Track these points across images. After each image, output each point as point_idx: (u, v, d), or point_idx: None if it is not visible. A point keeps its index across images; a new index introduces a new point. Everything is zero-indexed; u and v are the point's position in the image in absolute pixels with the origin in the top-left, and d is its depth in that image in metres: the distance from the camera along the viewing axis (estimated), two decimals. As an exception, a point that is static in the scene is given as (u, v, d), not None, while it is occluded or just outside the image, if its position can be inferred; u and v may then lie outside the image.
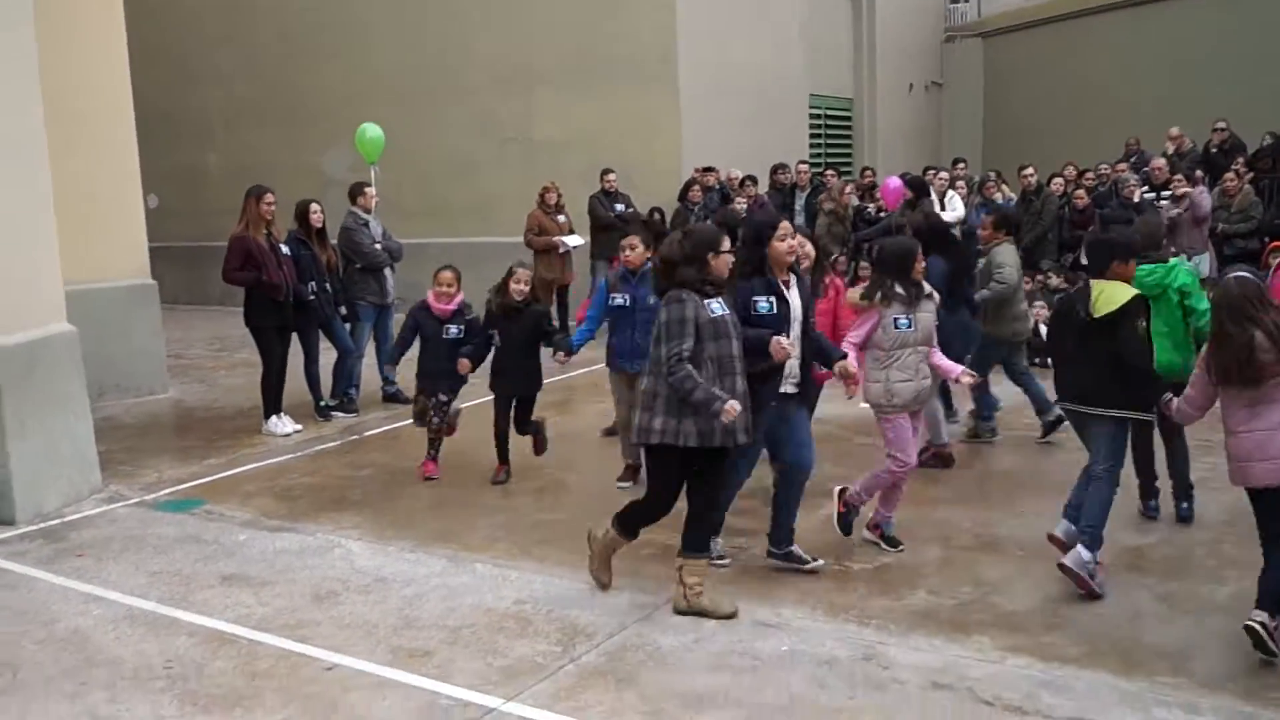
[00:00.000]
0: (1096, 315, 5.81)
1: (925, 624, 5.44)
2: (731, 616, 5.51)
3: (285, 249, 9.72)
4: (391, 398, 10.79)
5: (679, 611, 5.58)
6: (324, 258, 10.10)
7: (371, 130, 13.04)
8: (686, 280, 5.44)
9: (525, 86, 16.36)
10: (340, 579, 6.20)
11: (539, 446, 8.13)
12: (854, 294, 6.63)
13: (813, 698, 4.72)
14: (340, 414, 10.33)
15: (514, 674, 4.96)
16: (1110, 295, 5.83)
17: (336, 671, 5.02)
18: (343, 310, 10.39)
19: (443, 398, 8.12)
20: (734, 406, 5.24)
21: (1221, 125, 14.66)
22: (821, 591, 5.87)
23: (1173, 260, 6.92)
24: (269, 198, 9.61)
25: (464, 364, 7.85)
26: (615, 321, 7.66)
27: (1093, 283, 5.97)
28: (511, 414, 7.99)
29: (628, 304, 7.52)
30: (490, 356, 8.00)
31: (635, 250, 7.53)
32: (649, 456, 5.78)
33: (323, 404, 10.30)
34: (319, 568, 6.39)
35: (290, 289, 9.60)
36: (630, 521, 5.80)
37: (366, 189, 10.75)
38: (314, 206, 10.05)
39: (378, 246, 10.58)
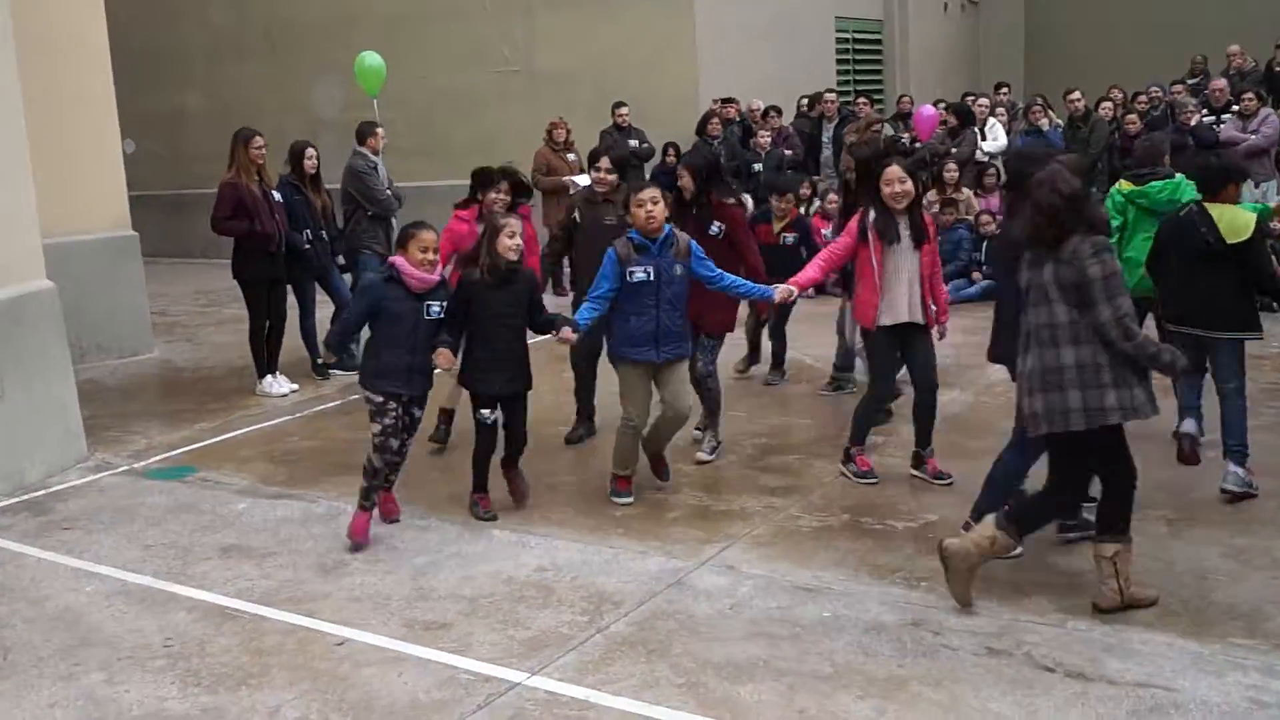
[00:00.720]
0: (1230, 241, 6.17)
1: (978, 585, 5.39)
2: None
3: (277, 195, 9.66)
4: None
5: (1108, 609, 5.09)
6: (318, 204, 10.04)
7: (371, 59, 12.83)
8: (1097, 222, 5.06)
9: (527, 11, 16.17)
10: (347, 548, 6.19)
11: (521, 492, 6.75)
12: None
13: (859, 665, 4.71)
14: (340, 371, 10.29)
15: (538, 646, 4.96)
16: (1235, 220, 6.22)
17: (347, 646, 5.03)
18: (340, 260, 10.33)
19: (416, 413, 6.46)
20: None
21: (1285, 41, 14.46)
22: (864, 552, 5.85)
23: (1178, 176, 7.20)
24: (258, 141, 9.53)
25: (445, 355, 6.19)
26: (629, 300, 6.48)
27: (1209, 207, 6.30)
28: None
29: (650, 278, 6.44)
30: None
31: (658, 207, 6.41)
32: (1093, 438, 5.01)
33: (320, 361, 10.28)
34: (324, 537, 6.39)
35: (284, 238, 9.55)
36: (1036, 519, 5.33)
37: (378, 129, 10.66)
38: (309, 150, 9.98)
39: (389, 192, 10.51)
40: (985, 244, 12.07)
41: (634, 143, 14.29)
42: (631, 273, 6.41)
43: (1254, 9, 16.88)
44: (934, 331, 6.85)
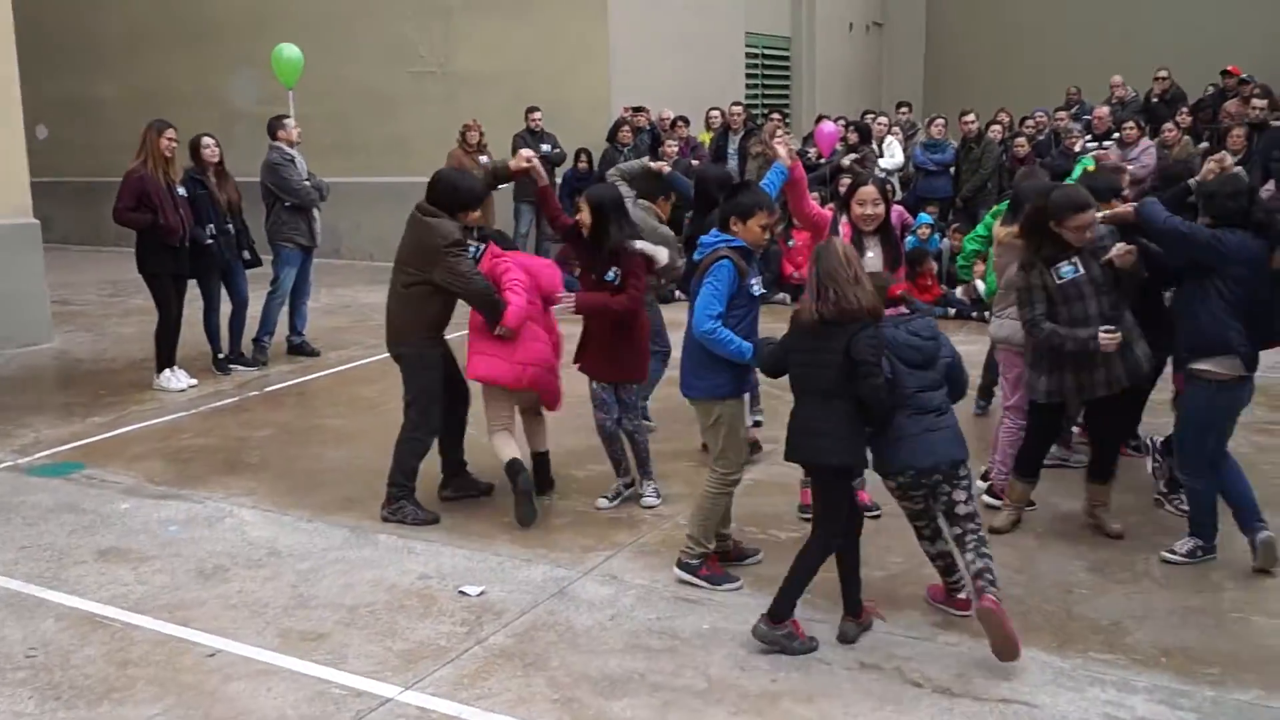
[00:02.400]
0: None
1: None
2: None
3: (181, 190, 9.29)
4: (297, 349, 10.46)
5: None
6: (224, 198, 9.68)
7: (288, 50, 12.45)
8: None
9: (445, 13, 15.86)
10: (230, 553, 5.92)
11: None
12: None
13: (734, 680, 4.57)
14: (241, 368, 9.98)
15: (414, 658, 4.74)
16: None
17: (219, 658, 4.77)
18: (246, 255, 9.99)
19: None
20: None
21: (1163, 74, 14.64)
22: (748, 563, 5.71)
23: None
24: (170, 133, 9.14)
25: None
26: (743, 321, 5.32)
27: None
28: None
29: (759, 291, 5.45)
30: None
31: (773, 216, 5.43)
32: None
33: (221, 356, 9.94)
34: (207, 540, 6.10)
35: (187, 233, 9.19)
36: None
37: (285, 121, 10.31)
38: (206, 140, 9.60)
39: (307, 183, 10.19)
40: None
41: (546, 147, 14.07)
42: (751, 285, 5.33)
43: (1135, 43, 17.14)
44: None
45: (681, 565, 5.47)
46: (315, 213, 10.28)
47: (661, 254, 6.52)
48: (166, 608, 5.24)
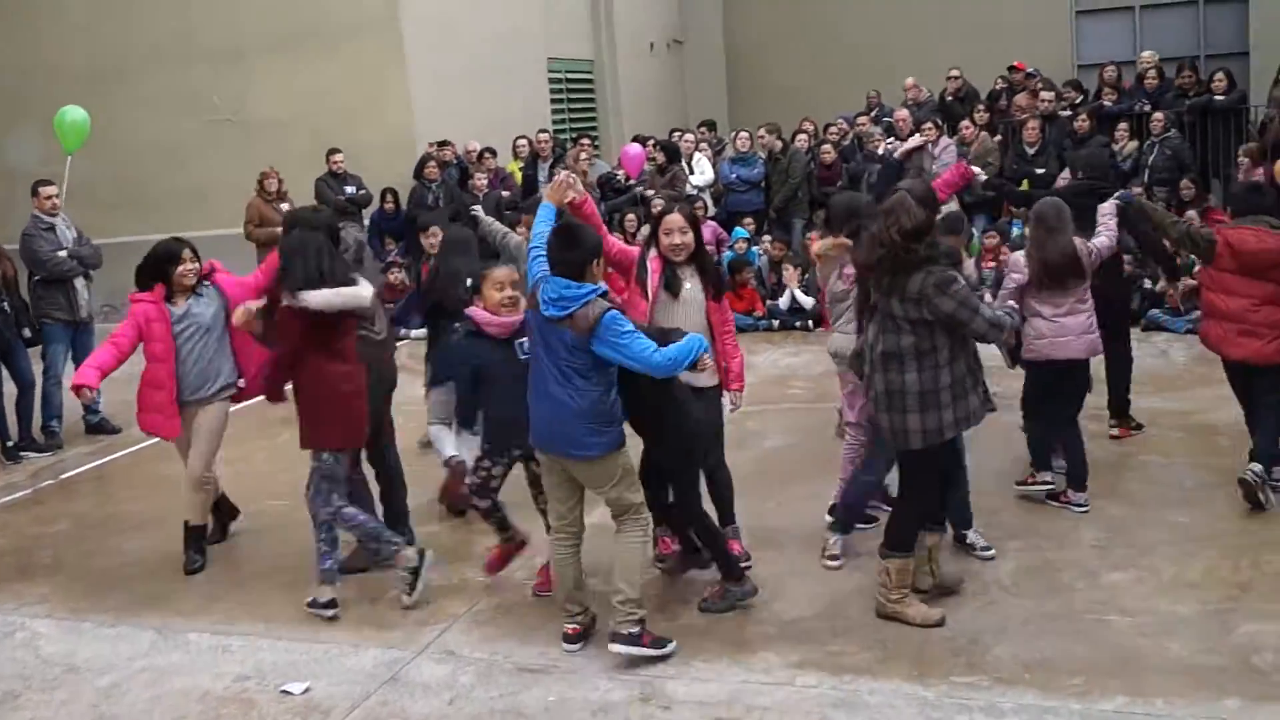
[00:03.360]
0: None
1: (706, 645, 4.98)
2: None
3: (-54, 266, 8.47)
4: (96, 428, 9.63)
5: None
6: (-1, 272, 8.89)
7: (73, 114, 11.45)
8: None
9: (237, 57, 15.08)
10: (21, 674, 5.24)
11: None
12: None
13: (586, 756, 4.19)
14: (32, 455, 9.11)
15: (232, 779, 4.22)
16: None
17: (3, 809, 4.16)
18: (26, 332, 9.17)
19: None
20: None
21: (955, 73, 14.91)
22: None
23: None
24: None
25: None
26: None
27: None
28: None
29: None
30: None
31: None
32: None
33: (10, 445, 9.08)
34: (-10, 660, 5.42)
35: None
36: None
37: (41, 189, 9.48)
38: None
39: (62, 254, 9.33)
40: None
41: (351, 189, 13.51)
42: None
43: (927, 45, 17.47)
44: (725, 399, 5.71)
45: (623, 640, 4.85)
46: (80, 284, 9.43)
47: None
48: (-60, 754, 4.59)
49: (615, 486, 4.90)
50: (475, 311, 5.40)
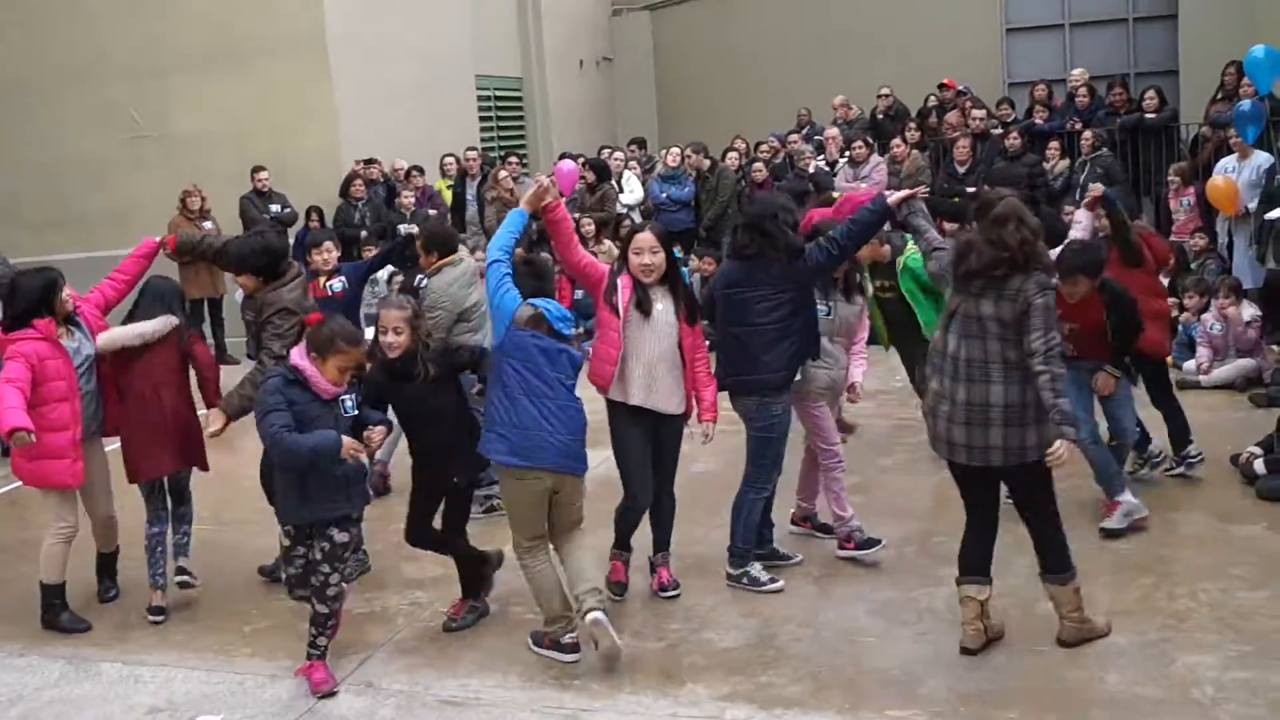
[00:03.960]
0: None
1: (633, 677, 4.90)
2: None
3: None
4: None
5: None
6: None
7: None
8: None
9: (158, 73, 14.80)
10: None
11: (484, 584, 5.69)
12: None
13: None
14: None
15: (140, 819, 4.07)
16: None
17: None
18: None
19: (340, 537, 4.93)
20: None
21: (886, 91, 15.00)
22: (514, 650, 5.22)
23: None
24: None
25: (376, 434, 4.99)
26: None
27: None
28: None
29: None
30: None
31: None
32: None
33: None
34: (-107, 697, 5.20)
35: None
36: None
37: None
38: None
39: (-23, 276, 9.10)
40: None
41: (276, 208, 13.29)
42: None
43: (856, 63, 17.57)
44: (696, 431, 5.57)
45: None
46: None
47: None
48: None
49: (579, 504, 5.19)
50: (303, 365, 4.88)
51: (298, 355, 4.87)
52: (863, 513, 6.18)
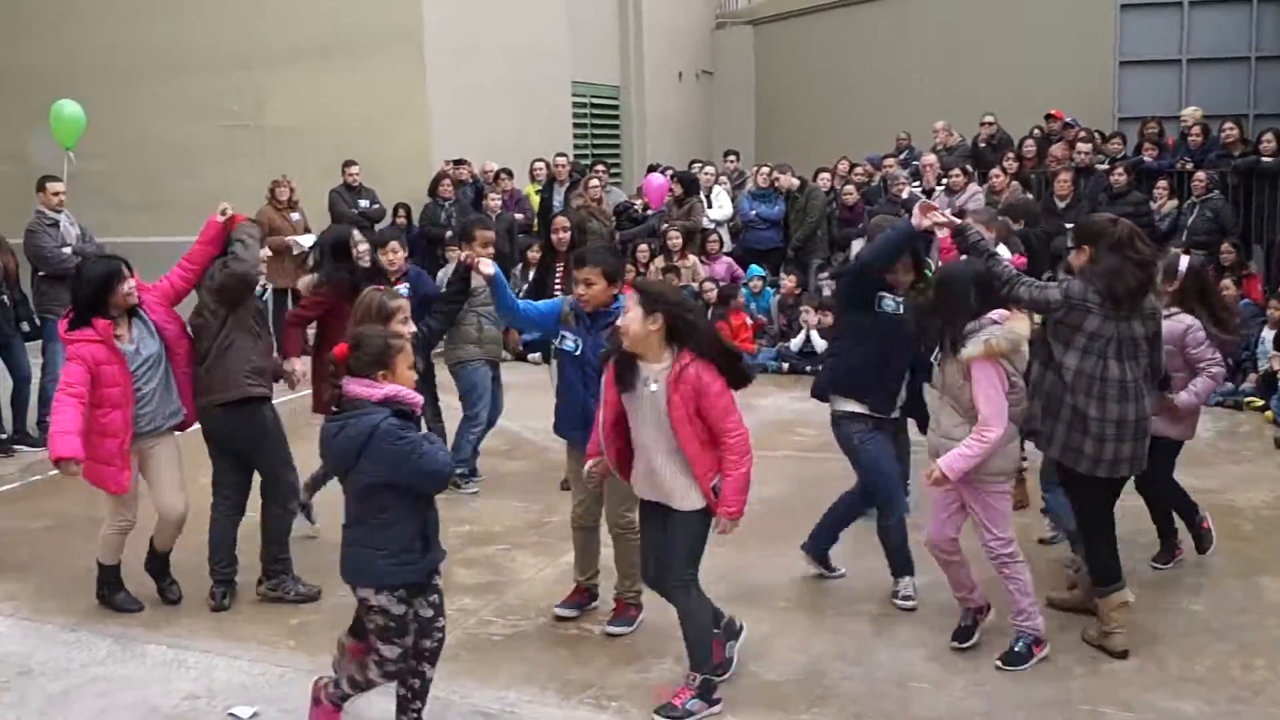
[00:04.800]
0: None
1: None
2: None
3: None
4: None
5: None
6: (-1, 265, 8.87)
7: (69, 108, 11.44)
8: None
9: (256, 65, 15.13)
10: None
11: None
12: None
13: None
14: (26, 448, 9.12)
15: (165, 806, 4.11)
16: None
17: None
18: (25, 326, 9.17)
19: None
20: None
21: (989, 119, 14.76)
22: (556, 664, 5.21)
23: None
24: (-75, 197, 8.30)
25: None
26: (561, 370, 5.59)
27: None
28: None
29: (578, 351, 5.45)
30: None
31: (593, 288, 5.32)
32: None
33: (3, 437, 9.08)
34: (-57, 663, 5.35)
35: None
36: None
37: (48, 184, 9.47)
38: (-29, 204, 8.77)
39: (66, 250, 9.32)
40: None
41: (364, 203, 13.49)
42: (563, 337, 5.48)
43: (962, 89, 17.35)
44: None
45: None
46: None
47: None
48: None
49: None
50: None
51: (367, 387, 4.18)
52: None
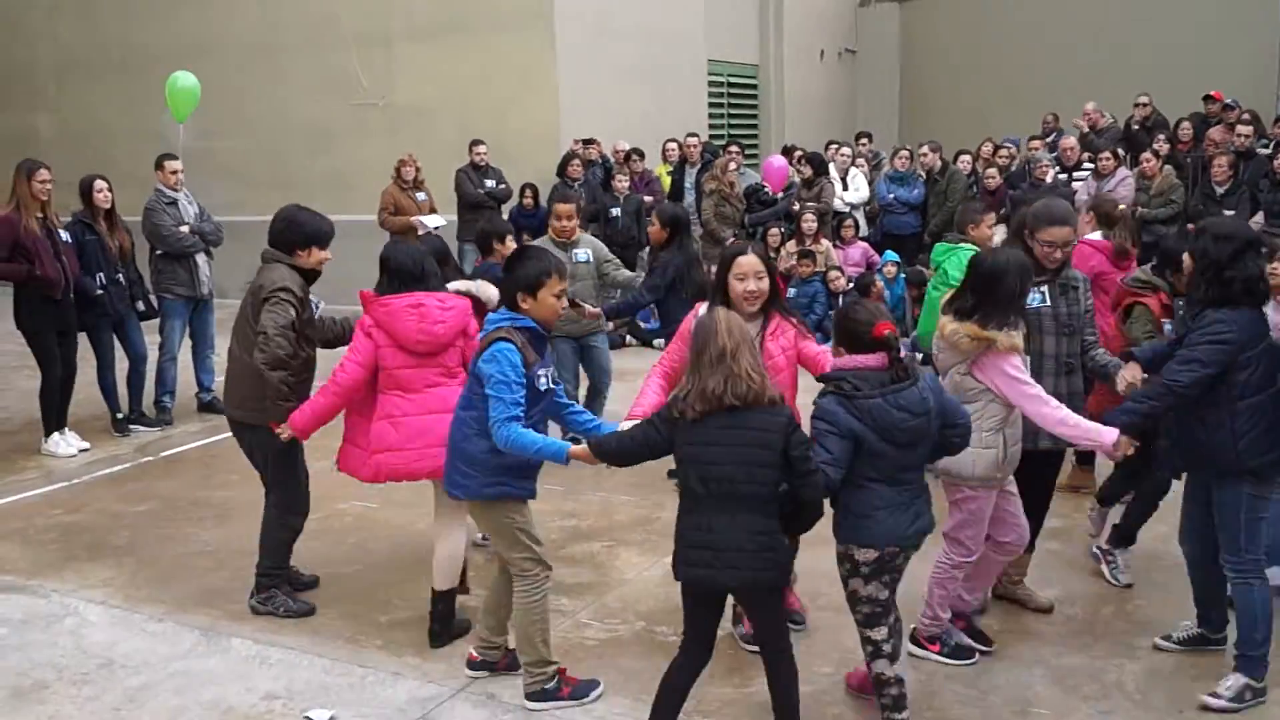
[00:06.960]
0: None
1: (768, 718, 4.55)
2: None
3: (65, 235, 8.58)
4: (207, 406, 9.72)
5: None
6: (115, 244, 8.98)
7: (184, 79, 11.55)
8: None
9: (385, 42, 15.22)
10: (57, 664, 5.17)
11: None
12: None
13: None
14: (142, 428, 9.26)
15: (230, 811, 4.00)
16: None
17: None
18: (140, 306, 9.30)
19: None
20: None
21: (1144, 99, 13.98)
22: (651, 674, 4.85)
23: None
24: (43, 174, 8.41)
25: None
26: None
27: None
28: None
29: None
30: None
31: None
32: None
33: (120, 416, 9.21)
34: (38, 646, 5.36)
35: (72, 284, 8.47)
36: None
37: (166, 162, 9.57)
38: (99, 184, 8.89)
39: (184, 229, 9.44)
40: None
41: (491, 183, 13.40)
42: (537, 375, 4.87)
43: (1115, 68, 16.55)
44: None
45: (538, 697, 4.65)
46: (200, 260, 9.52)
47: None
48: (-50, 744, 4.50)
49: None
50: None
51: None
52: (1052, 564, 5.66)
